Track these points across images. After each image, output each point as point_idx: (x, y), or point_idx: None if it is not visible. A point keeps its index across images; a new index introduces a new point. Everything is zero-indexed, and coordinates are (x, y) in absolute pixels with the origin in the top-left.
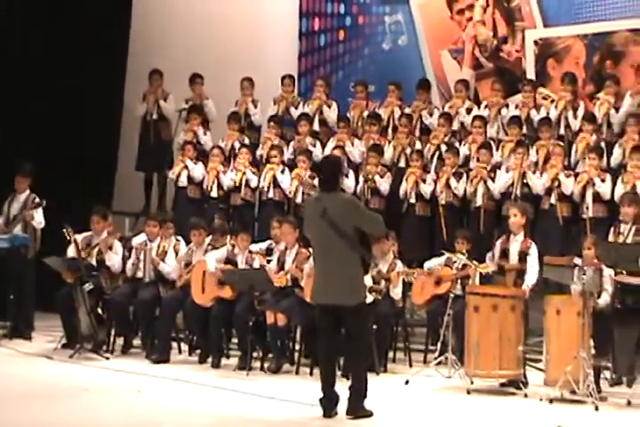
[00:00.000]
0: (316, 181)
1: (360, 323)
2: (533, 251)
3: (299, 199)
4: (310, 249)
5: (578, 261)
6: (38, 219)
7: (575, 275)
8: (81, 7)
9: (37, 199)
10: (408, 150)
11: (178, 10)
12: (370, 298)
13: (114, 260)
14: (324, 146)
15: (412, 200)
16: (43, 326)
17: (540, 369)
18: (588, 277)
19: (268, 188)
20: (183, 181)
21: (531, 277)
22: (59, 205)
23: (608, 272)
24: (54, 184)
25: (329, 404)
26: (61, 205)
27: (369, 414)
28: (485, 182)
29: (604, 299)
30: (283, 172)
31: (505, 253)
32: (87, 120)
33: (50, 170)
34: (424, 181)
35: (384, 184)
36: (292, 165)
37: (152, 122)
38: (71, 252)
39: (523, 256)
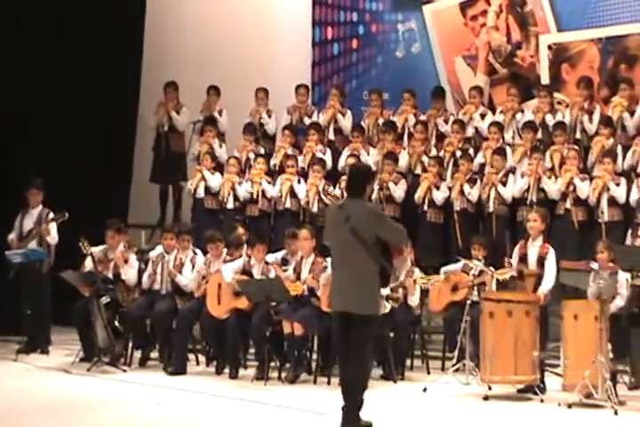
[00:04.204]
0: (337, 191)
1: (365, 334)
2: (551, 256)
3: (315, 209)
4: (328, 259)
5: (594, 265)
6: (52, 234)
7: (590, 279)
8: (94, 20)
9: (52, 214)
10: (424, 157)
11: (191, 22)
12: (387, 307)
13: (129, 273)
14: (339, 155)
15: (426, 207)
16: (60, 340)
17: (559, 374)
18: (603, 281)
19: (285, 198)
20: (200, 193)
21: (547, 283)
22: (74, 219)
23: (623, 276)
24: (69, 197)
25: None
26: (76, 218)
27: (364, 425)
28: (496, 188)
29: (617, 303)
30: (299, 182)
31: (523, 259)
32: (101, 132)
33: (64, 183)
34: (437, 187)
35: (398, 191)
36: (303, 174)
37: (164, 134)
38: (88, 265)
39: (541, 261)
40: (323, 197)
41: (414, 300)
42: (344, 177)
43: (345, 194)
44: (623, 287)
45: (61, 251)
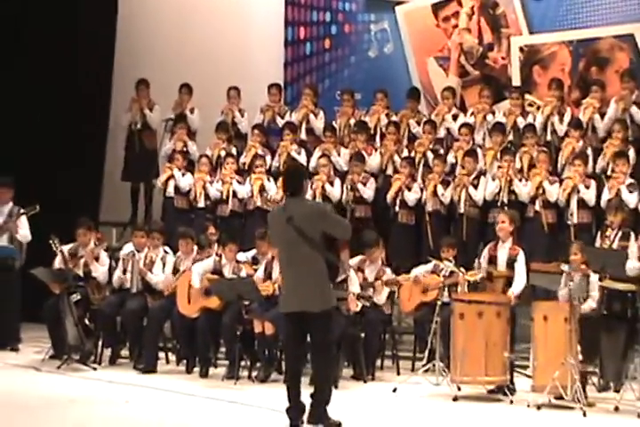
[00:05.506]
0: (277, 196)
1: (325, 330)
2: (521, 258)
3: None
4: None
5: (565, 267)
6: (23, 233)
7: (562, 281)
8: (67, 18)
9: (22, 210)
10: (396, 158)
11: (164, 20)
12: (359, 305)
13: (99, 270)
14: (310, 155)
15: (397, 208)
16: (30, 337)
17: (528, 375)
18: (575, 283)
19: (256, 197)
20: (170, 191)
21: (517, 284)
22: (45, 216)
23: (595, 278)
24: (41, 195)
25: (295, 414)
26: (48, 215)
27: (333, 424)
28: (467, 190)
29: (589, 305)
30: (269, 180)
31: (493, 260)
32: (74, 130)
33: (37, 180)
34: (409, 188)
35: (367, 191)
36: (277, 174)
37: (136, 131)
38: (58, 263)
39: (510, 263)
40: (264, 204)
41: (380, 298)
42: (316, 177)
43: (285, 193)
44: (595, 289)
45: (33, 248)
